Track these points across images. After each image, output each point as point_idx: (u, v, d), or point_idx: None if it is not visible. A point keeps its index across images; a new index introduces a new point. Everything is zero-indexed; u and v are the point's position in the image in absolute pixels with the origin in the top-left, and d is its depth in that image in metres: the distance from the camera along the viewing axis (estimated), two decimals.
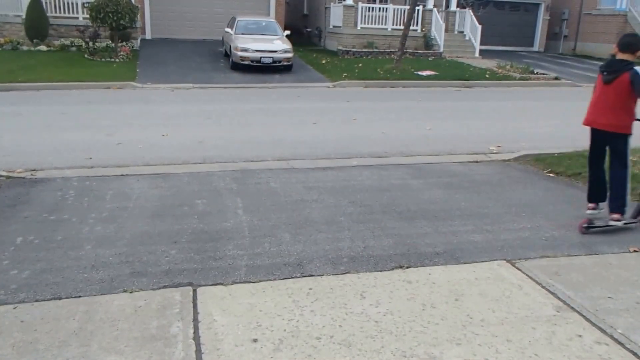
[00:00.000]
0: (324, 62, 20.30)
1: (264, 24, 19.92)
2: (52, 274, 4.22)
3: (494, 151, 8.75)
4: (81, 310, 3.70)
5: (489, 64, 21.60)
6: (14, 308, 3.71)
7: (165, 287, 4.06)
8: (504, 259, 4.67)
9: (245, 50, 17.68)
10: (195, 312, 3.70)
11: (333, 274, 4.33)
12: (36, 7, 19.04)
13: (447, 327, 3.60)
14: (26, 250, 4.62)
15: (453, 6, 25.25)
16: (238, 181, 6.77)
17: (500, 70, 19.96)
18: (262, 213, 5.65)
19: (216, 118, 11.31)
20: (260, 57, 17.67)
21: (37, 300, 3.83)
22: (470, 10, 24.55)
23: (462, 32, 25.29)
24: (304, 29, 28.91)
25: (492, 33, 26.93)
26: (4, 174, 6.66)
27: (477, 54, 24.02)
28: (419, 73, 18.55)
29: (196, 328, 3.51)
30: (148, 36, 23.28)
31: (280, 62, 17.95)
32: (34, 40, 19.23)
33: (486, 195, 6.49)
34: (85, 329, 3.47)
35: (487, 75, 19.02)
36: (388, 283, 4.19)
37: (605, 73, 5.22)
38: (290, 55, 18.12)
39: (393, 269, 4.45)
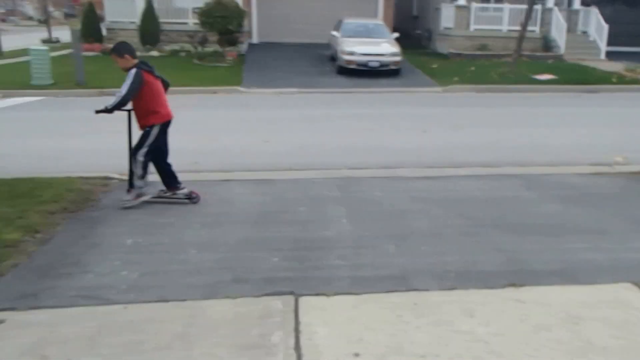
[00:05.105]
0: (433, 65, 19.66)
1: (371, 26, 19.57)
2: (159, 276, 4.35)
3: (620, 162, 8.04)
4: (185, 315, 3.76)
5: (616, 67, 19.95)
6: (124, 308, 3.85)
7: (266, 294, 4.04)
8: (630, 281, 4.25)
9: (352, 53, 17.43)
10: (297, 322, 3.65)
11: (439, 289, 4.14)
12: (150, 13, 20.05)
13: (564, 353, 3.31)
14: (135, 253, 4.79)
15: (576, 4, 23.77)
16: (341, 189, 6.69)
17: (628, 74, 18.36)
18: (366, 223, 5.53)
19: (320, 123, 11.35)
20: (367, 61, 17.39)
21: (144, 302, 3.94)
22: (596, 8, 22.91)
23: (586, 32, 23.61)
24: (413, 31, 28.38)
25: (621, 33, 24.73)
26: (118, 176, 6.83)
27: (602, 56, 22.32)
28: (537, 77, 17.56)
29: (297, 338, 3.46)
30: (255, 40, 23.63)
31: (387, 66, 17.56)
32: (146, 46, 20.16)
33: (609, 210, 5.95)
34: (189, 333, 3.53)
35: (613, 80, 17.55)
36: (498, 301, 3.94)
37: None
38: (398, 58, 17.70)
39: (504, 286, 4.18)
